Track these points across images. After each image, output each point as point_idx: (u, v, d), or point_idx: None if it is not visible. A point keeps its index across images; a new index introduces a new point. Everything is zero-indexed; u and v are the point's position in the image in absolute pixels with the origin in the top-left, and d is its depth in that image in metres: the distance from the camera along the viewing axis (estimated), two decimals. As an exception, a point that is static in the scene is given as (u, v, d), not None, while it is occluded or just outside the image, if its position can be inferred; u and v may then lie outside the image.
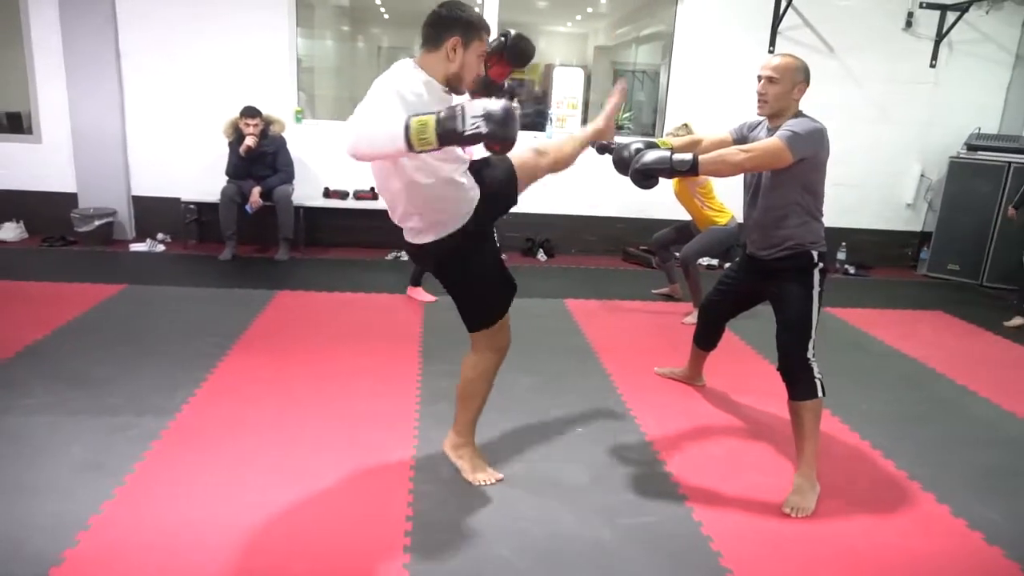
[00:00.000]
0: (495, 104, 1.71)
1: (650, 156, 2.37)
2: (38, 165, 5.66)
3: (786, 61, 2.48)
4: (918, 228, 6.58)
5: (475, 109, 1.70)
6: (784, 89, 2.46)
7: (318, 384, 3.18)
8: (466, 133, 1.70)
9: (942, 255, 6.20)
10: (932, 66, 6.14)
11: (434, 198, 2.11)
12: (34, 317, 3.78)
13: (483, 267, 2.32)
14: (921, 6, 5.98)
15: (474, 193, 2.18)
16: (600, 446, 2.77)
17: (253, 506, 2.23)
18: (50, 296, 4.22)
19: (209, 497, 2.27)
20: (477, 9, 6.11)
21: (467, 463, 2.49)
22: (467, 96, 2.17)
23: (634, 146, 2.45)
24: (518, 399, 3.17)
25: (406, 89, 1.93)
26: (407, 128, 1.69)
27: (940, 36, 6.05)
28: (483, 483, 2.44)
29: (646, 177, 2.38)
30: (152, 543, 2.03)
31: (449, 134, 1.69)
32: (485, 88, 2.38)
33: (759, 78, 2.50)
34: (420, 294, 4.61)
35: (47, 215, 5.63)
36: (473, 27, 2.05)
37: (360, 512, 2.25)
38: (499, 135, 1.71)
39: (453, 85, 2.09)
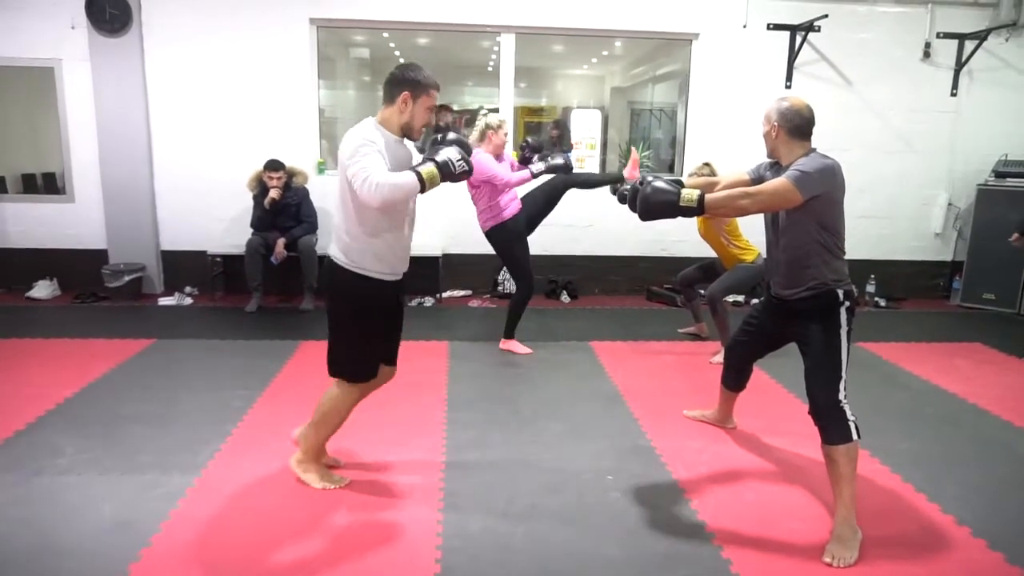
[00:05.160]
0: (461, 149, 2.45)
1: (657, 196, 2.36)
2: (71, 223, 5.82)
3: (767, 107, 2.56)
4: (948, 257, 6.45)
5: (455, 156, 2.42)
6: (765, 131, 2.55)
7: (343, 437, 3.16)
8: (457, 172, 2.41)
9: (976, 284, 6.06)
10: (953, 95, 6.10)
11: (349, 221, 2.46)
12: (66, 374, 3.84)
13: (346, 323, 2.57)
14: (939, 36, 5.96)
15: (371, 261, 2.48)
16: (630, 494, 2.70)
17: (276, 567, 2.20)
18: (81, 353, 4.29)
19: (232, 560, 2.25)
20: (493, 56, 6.27)
21: (314, 475, 2.70)
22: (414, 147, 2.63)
23: (648, 177, 2.47)
24: (545, 445, 3.12)
25: (369, 138, 2.39)
26: (421, 179, 2.35)
27: (959, 65, 6.01)
28: (329, 487, 2.67)
29: (652, 215, 2.38)
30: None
31: (447, 175, 2.40)
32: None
33: None
34: (516, 346, 4.53)
35: (79, 272, 5.76)
36: (420, 84, 2.47)
37: (389, 570, 2.20)
38: (470, 163, 2.46)
39: (406, 132, 2.52)
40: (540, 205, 4.50)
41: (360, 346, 2.59)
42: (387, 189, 2.29)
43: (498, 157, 4.31)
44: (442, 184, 2.43)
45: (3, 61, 5.55)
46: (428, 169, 2.35)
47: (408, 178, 2.33)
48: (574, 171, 4.60)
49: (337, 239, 2.52)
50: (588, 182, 4.80)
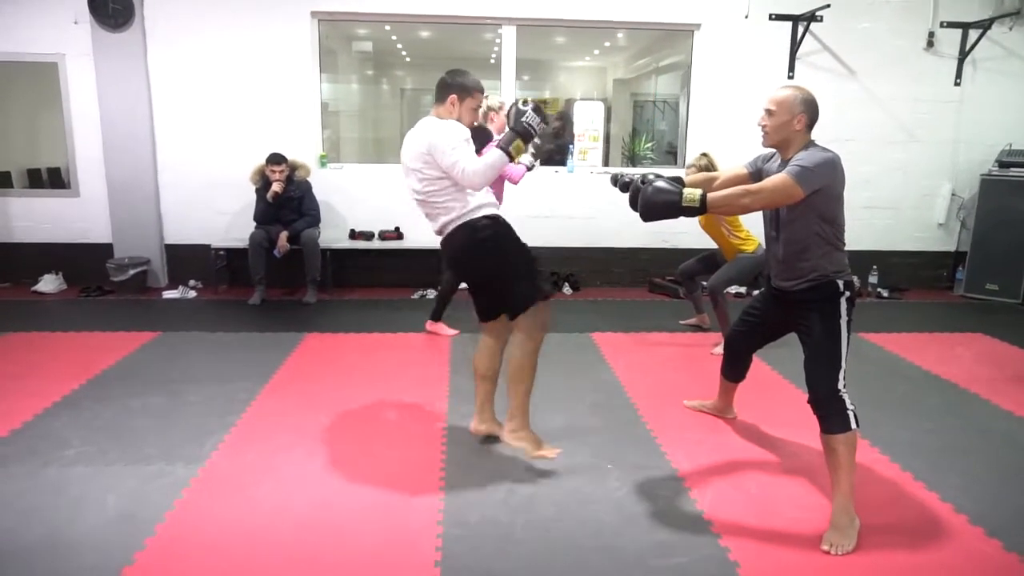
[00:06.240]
0: (537, 111, 2.70)
1: (659, 196, 2.35)
2: (76, 218, 5.87)
3: (785, 93, 2.47)
4: (952, 248, 6.44)
5: (532, 118, 2.69)
6: (781, 120, 2.45)
7: (345, 428, 3.19)
8: (538, 130, 2.71)
9: (979, 275, 6.05)
10: (957, 84, 6.07)
11: (458, 198, 2.75)
12: (72, 367, 3.88)
13: (503, 260, 2.79)
14: (942, 25, 5.93)
15: (479, 201, 2.76)
16: (629, 483, 2.72)
17: (279, 556, 2.23)
18: (87, 346, 4.33)
19: (235, 549, 2.28)
20: (495, 49, 6.26)
21: (527, 443, 2.85)
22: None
23: (649, 177, 2.45)
24: (546, 436, 3.12)
25: (455, 127, 2.71)
26: (509, 153, 2.68)
27: (963, 54, 5.99)
28: (546, 457, 2.82)
29: (654, 216, 2.37)
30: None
31: (529, 139, 2.72)
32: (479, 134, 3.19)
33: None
34: (441, 328, 4.68)
35: (85, 266, 5.80)
36: (466, 88, 2.80)
37: (390, 559, 2.23)
38: (547, 119, 2.77)
39: None
40: None
41: (522, 267, 2.80)
42: (483, 172, 2.63)
43: None
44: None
45: (7, 57, 5.58)
46: (515, 144, 2.68)
47: (496, 156, 2.66)
48: None
49: (447, 214, 2.74)
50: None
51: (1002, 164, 5.96)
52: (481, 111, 4.41)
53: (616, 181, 3.00)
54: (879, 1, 5.91)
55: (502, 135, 2.75)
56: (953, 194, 6.28)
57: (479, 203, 2.76)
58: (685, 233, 5.69)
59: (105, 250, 5.83)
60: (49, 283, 5.75)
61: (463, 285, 4.85)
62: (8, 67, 5.72)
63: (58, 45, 5.56)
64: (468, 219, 2.74)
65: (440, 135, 2.68)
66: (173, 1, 5.56)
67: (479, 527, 2.41)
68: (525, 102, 2.72)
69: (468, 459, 2.92)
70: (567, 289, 6.07)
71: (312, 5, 5.70)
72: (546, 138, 6.87)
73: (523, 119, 2.67)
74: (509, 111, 2.78)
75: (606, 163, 6.65)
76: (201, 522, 2.41)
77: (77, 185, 5.84)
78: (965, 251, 6.22)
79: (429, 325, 4.73)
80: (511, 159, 2.68)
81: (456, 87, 2.79)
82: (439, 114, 2.81)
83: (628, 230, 6.11)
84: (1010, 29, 5.97)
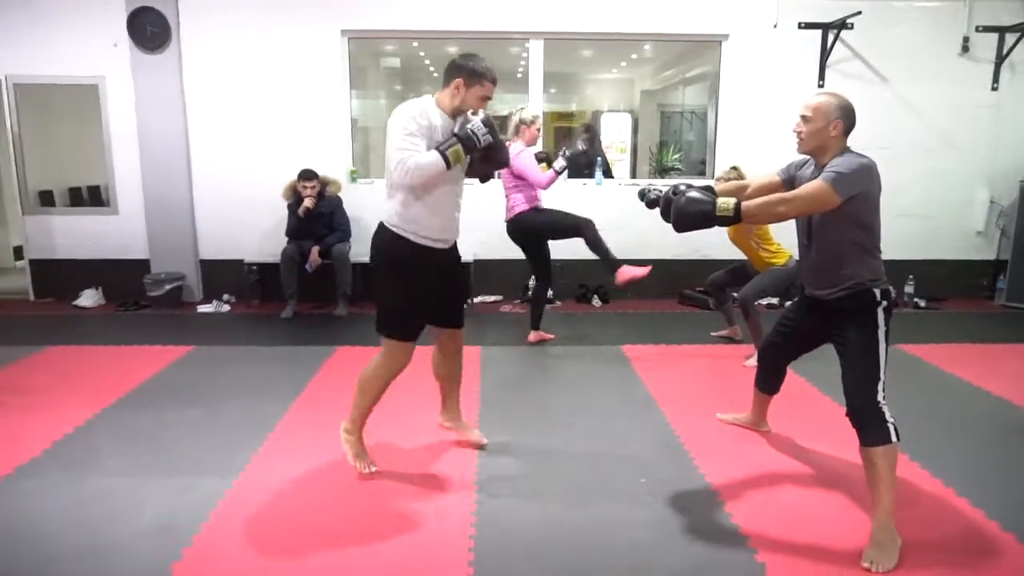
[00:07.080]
0: (486, 123, 2.54)
1: (692, 206, 2.33)
2: (115, 235, 6.02)
3: (821, 100, 2.44)
4: (992, 256, 6.28)
5: (479, 127, 2.54)
6: (817, 127, 2.41)
7: (376, 440, 3.20)
8: (481, 143, 2.54)
9: (1022, 284, 5.89)
10: (994, 89, 5.94)
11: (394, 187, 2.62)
12: (110, 380, 3.96)
13: (386, 280, 2.71)
14: (977, 30, 5.82)
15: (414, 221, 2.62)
16: (663, 498, 2.68)
17: (314, 567, 2.24)
18: (125, 359, 4.42)
19: (270, 560, 2.30)
20: (522, 63, 6.28)
21: (351, 450, 2.87)
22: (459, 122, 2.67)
23: (680, 187, 2.44)
24: (577, 449, 3.12)
25: (414, 115, 2.54)
26: (446, 157, 2.50)
27: (1000, 59, 5.86)
28: (361, 470, 2.83)
29: (688, 226, 2.36)
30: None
31: (472, 147, 2.55)
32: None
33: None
34: (543, 336, 4.83)
35: (122, 281, 5.94)
36: (474, 74, 2.60)
37: (422, 573, 2.23)
38: (498, 137, 2.59)
39: (456, 116, 2.66)
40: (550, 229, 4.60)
41: (399, 302, 2.71)
42: (413, 171, 2.48)
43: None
44: (479, 155, 2.63)
45: (52, 80, 5.77)
46: (453, 148, 2.51)
47: (431, 158, 2.50)
48: (594, 229, 4.55)
49: (387, 202, 2.67)
50: (595, 244, 4.61)
51: (1043, 170, 5.81)
52: (513, 124, 4.46)
53: (643, 196, 2.99)
54: (912, 7, 5.83)
55: (445, 140, 2.54)
56: (992, 201, 6.14)
57: (410, 216, 2.60)
58: (715, 244, 5.64)
59: (142, 266, 5.97)
60: (89, 298, 5.90)
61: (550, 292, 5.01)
62: (52, 89, 5.90)
63: (99, 68, 5.73)
64: (390, 222, 2.65)
65: (400, 112, 2.55)
66: (208, 22, 5.71)
67: (512, 544, 2.39)
68: (475, 112, 2.59)
69: (500, 473, 2.91)
70: (596, 301, 6.05)
71: (342, 24, 5.80)
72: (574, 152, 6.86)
73: (468, 126, 2.53)
74: (458, 119, 2.65)
75: (634, 175, 6.65)
76: (236, 532, 2.43)
77: (116, 203, 6.00)
78: (1006, 259, 6.06)
79: (532, 336, 4.79)
80: (448, 164, 2.51)
81: (463, 71, 2.59)
82: (440, 99, 2.64)
83: (657, 242, 6.06)
84: (1049, 32, 5.84)
